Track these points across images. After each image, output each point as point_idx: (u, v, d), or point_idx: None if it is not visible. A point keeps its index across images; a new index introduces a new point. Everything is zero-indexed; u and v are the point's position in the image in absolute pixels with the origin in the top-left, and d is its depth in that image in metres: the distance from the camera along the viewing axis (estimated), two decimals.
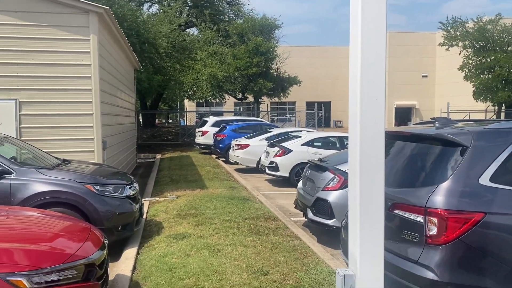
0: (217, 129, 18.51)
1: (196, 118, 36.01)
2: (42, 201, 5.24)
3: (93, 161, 7.77)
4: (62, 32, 8.06)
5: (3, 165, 5.32)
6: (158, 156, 18.96)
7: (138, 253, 5.50)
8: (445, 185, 3.27)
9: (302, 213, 7.20)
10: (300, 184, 7.54)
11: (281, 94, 32.49)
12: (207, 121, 20.38)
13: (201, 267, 4.78)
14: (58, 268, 3.20)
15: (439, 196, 3.24)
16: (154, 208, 8.08)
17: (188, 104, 42.33)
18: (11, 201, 5.21)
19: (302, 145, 11.80)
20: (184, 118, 40.33)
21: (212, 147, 18.43)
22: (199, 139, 20.12)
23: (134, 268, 4.96)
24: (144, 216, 7.07)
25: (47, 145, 7.58)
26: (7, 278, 2.94)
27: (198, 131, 20.47)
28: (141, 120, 29.27)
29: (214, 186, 10.39)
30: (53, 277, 3.14)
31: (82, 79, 8.14)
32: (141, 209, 6.39)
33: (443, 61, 44.06)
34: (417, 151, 3.85)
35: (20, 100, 7.95)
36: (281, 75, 32.54)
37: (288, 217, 7.66)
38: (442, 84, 45.88)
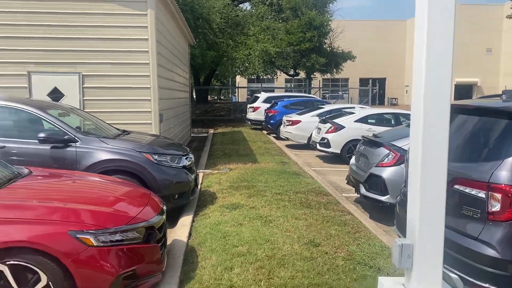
0: (268, 105, 18.53)
1: (248, 95, 36.21)
2: (105, 169, 5.53)
3: (151, 133, 8.07)
4: (121, 7, 8.31)
5: (69, 133, 5.66)
6: (211, 131, 19.33)
7: (193, 221, 5.71)
8: (511, 160, 3.11)
9: (354, 189, 7.13)
10: (352, 160, 7.44)
11: (334, 70, 31.73)
12: (258, 97, 20.45)
13: (254, 236, 4.89)
14: (122, 229, 3.40)
15: (504, 172, 3.09)
16: (208, 179, 8.31)
17: (240, 80, 42.53)
18: (76, 167, 5.54)
19: (355, 121, 11.57)
20: (236, 94, 40.65)
21: (263, 123, 18.51)
22: (251, 115, 20.26)
23: (190, 234, 5.17)
24: (199, 187, 7.30)
25: (107, 117, 7.95)
26: (77, 235, 3.17)
27: (250, 107, 20.60)
28: (194, 96, 29.84)
29: (265, 160, 10.48)
30: (117, 237, 3.34)
31: (140, 53, 8.39)
32: (196, 179, 6.60)
33: (510, 36, 41.11)
34: (480, 125, 3.67)
35: (83, 73, 8.35)
36: (334, 50, 31.75)
37: (339, 192, 7.61)
38: (508, 60, 42.93)
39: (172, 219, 5.72)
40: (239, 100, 35.20)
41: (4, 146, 5.50)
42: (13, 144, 5.58)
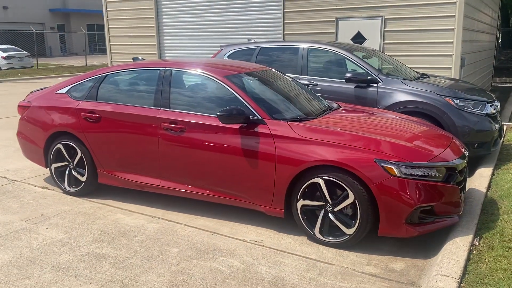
0: None
1: None
2: (403, 110, 5.63)
3: (450, 77, 7.64)
4: None
5: (372, 74, 5.98)
6: None
7: (493, 174, 5.25)
8: None
9: None
10: None
11: None
12: None
13: None
14: (423, 164, 3.47)
15: None
16: None
17: None
18: (375, 107, 5.84)
19: None
20: None
21: None
22: None
23: (489, 186, 4.79)
24: (502, 139, 6.57)
25: (404, 61, 7.94)
26: (382, 164, 3.43)
27: None
28: (499, 40, 25.96)
29: None
30: (418, 171, 3.44)
31: None
32: (500, 130, 5.96)
33: None
34: None
35: (386, 17, 8.50)
36: None
37: None
38: None
39: (469, 168, 5.39)
40: None
41: (317, 84, 6.32)
42: (323, 83, 6.33)
